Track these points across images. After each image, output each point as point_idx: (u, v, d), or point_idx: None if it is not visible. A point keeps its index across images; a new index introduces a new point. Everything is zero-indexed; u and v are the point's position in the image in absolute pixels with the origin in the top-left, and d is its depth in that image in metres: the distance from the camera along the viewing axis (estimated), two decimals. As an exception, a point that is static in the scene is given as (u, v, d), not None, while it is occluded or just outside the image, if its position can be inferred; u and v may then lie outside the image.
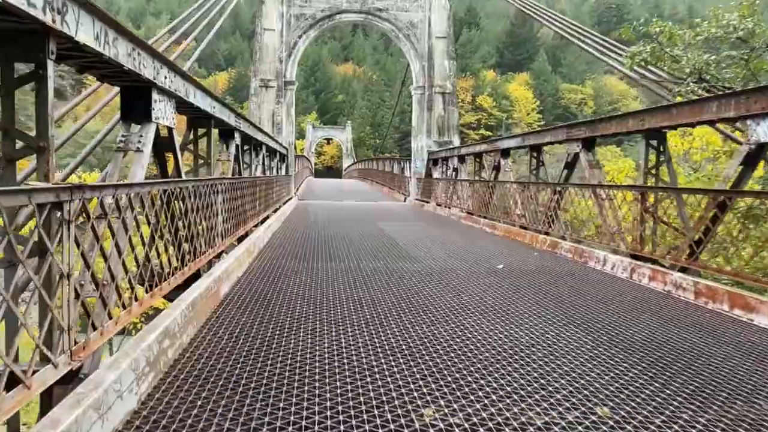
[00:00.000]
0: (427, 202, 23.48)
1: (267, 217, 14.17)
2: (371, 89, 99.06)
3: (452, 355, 4.46)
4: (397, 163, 33.74)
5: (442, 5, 26.21)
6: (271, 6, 25.15)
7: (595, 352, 4.65)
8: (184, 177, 6.32)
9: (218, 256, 7.63)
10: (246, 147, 11.96)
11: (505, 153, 14.48)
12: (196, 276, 6.23)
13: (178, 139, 6.08)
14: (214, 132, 8.07)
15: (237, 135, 9.55)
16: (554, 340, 4.97)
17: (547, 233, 11.58)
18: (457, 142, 26.16)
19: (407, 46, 26.57)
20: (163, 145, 5.74)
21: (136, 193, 4.30)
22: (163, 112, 5.31)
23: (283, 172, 22.07)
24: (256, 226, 11.86)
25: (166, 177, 5.93)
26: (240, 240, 9.76)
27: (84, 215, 3.36)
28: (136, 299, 4.30)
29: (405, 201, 27.95)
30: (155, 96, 5.06)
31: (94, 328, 3.54)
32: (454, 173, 19.84)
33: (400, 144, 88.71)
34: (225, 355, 4.34)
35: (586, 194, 9.99)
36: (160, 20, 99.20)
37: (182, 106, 6.23)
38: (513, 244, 11.81)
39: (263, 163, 14.33)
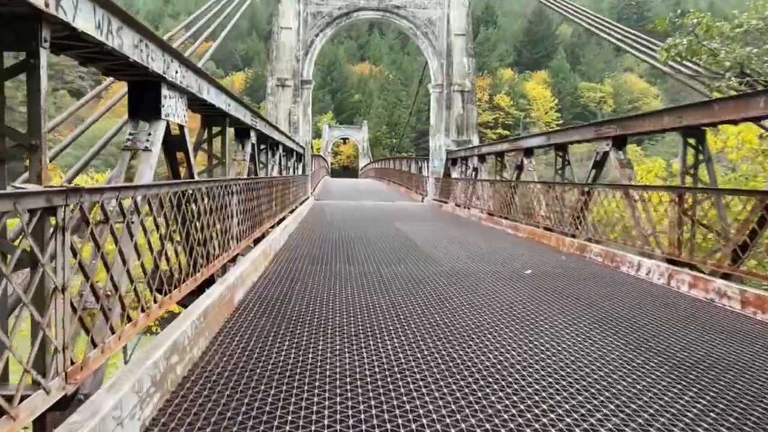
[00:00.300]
0: (446, 202, 23.05)
1: (284, 218, 13.87)
2: (387, 88, 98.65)
3: (493, 371, 4.06)
4: (415, 163, 33.35)
5: (461, 2, 25.73)
6: (287, 4, 24.89)
7: (648, 372, 4.21)
8: (197, 177, 6.01)
9: (233, 260, 7.32)
10: (262, 146, 11.66)
11: (529, 152, 14.01)
12: (210, 281, 5.92)
13: (190, 138, 5.77)
14: (230, 131, 7.74)
15: (253, 134, 9.25)
16: (599, 355, 4.54)
17: (573, 235, 11.11)
18: (476, 141, 25.68)
19: (425, 43, 26.14)
20: (174, 144, 5.42)
21: (144, 196, 3.98)
22: (174, 109, 4.99)
23: (300, 172, 21.81)
24: (272, 227, 11.56)
25: (177, 178, 5.62)
26: (256, 242, 9.46)
27: (84, 221, 3.04)
28: (144, 310, 3.97)
29: (422, 201, 27.54)
30: (165, 92, 4.74)
31: (94, 345, 3.21)
32: (474, 173, 19.39)
33: (417, 143, 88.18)
34: (238, 371, 3.99)
35: (617, 195, 9.50)
36: (178, 21, 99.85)
37: (195, 103, 5.92)
38: (537, 247, 11.36)
39: (280, 163, 14.04)
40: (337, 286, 6.95)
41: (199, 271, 5.43)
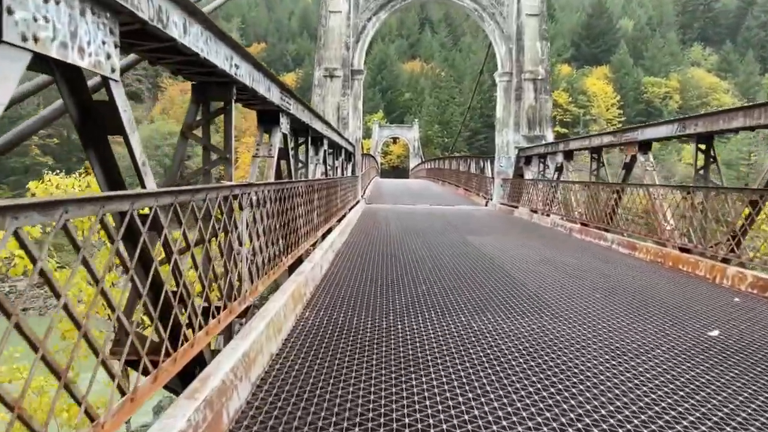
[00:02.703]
0: (516, 207, 19.85)
1: (330, 229, 11.15)
2: (440, 86, 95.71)
3: None
4: (475, 162, 30.10)
5: (534, -23, 22.42)
6: (337, -15, 22.24)
7: None
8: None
9: (245, 313, 4.57)
10: (301, 139, 8.94)
11: (645, 146, 10.73)
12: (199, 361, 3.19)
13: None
14: (235, 109, 4.99)
15: (283, 120, 6.48)
16: None
17: (725, 260, 7.90)
18: (550, 136, 22.30)
19: (491, 26, 22.94)
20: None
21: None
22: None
23: (349, 173, 19.09)
24: (314, 244, 8.82)
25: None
26: (291, 270, 6.72)
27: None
28: None
29: (487, 205, 24.35)
30: None
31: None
32: (557, 173, 16.13)
33: (470, 142, 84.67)
34: None
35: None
36: (231, 24, 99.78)
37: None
38: (678, 277, 8.15)
39: (325, 162, 11.32)
40: (411, 368, 4.05)
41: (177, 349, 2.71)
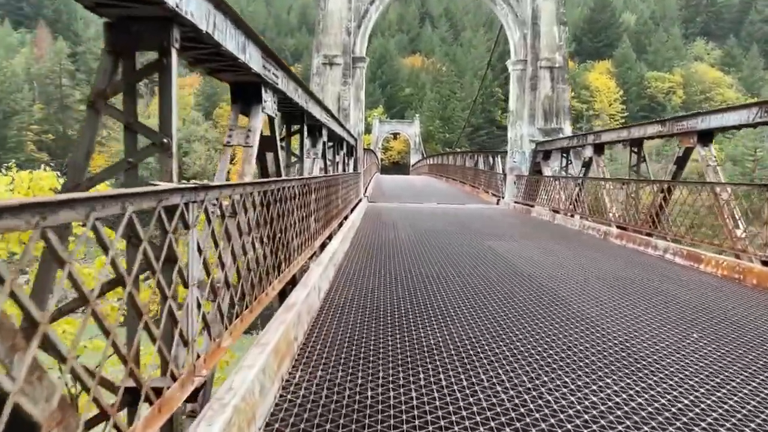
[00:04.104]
0: (532, 206, 18.14)
1: (331, 236, 9.43)
2: (441, 81, 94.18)
3: None
4: (484, 157, 28.33)
5: (550, -44, 20.63)
6: (336, -35, 20.42)
7: None
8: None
9: (194, 396, 2.84)
10: (294, 127, 7.20)
11: (706, 137, 8.98)
12: None
13: None
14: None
15: (268, 97, 4.73)
16: None
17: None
18: (568, 129, 20.54)
19: (504, 9, 21.13)
20: None
21: None
22: None
23: (351, 169, 17.35)
24: (312, 256, 7.10)
25: None
26: (282, 297, 5.02)
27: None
28: None
29: (498, 204, 22.62)
30: None
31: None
32: (584, 169, 14.38)
33: (471, 138, 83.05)
34: None
35: None
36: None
37: None
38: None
39: (324, 156, 9.57)
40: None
41: None
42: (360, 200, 18.58)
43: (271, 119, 4.99)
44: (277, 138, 5.30)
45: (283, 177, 5.42)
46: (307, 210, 6.67)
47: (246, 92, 4.35)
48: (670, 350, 4.47)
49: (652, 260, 9.06)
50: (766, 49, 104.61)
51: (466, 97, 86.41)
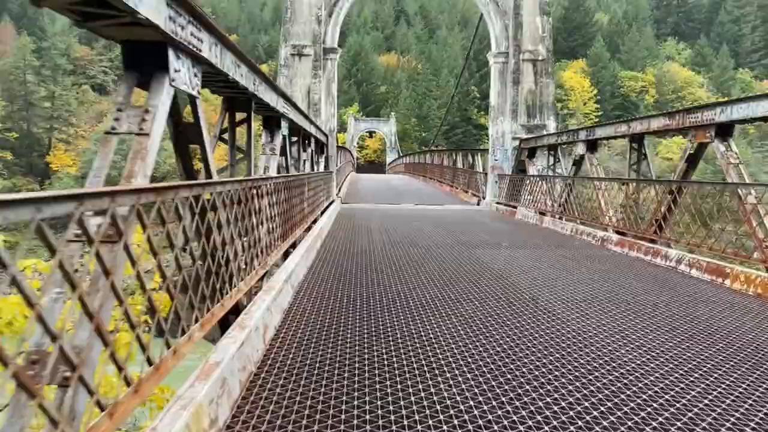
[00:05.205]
0: (516, 207, 16.95)
1: (295, 244, 8.04)
2: (416, 79, 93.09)
3: None
4: (464, 156, 27.12)
5: (533, -57, 19.45)
6: (305, -50, 18.92)
7: None
8: None
9: None
10: (242, 113, 5.77)
11: (725, 130, 7.82)
12: None
13: None
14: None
15: (182, 64, 3.32)
16: None
17: None
18: (552, 126, 19.43)
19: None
20: None
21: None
22: None
23: (321, 168, 15.92)
24: (264, 276, 5.69)
25: None
26: (224, 326, 3.64)
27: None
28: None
29: (479, 204, 21.41)
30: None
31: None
32: (574, 168, 13.20)
33: (448, 136, 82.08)
34: None
35: None
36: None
37: None
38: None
39: (285, 153, 8.15)
40: None
41: None
42: (332, 202, 17.16)
43: (192, 99, 3.57)
44: (202, 124, 3.86)
45: (215, 179, 4.00)
46: (257, 219, 5.26)
47: (144, 55, 2.94)
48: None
49: (666, 274, 7.81)
50: (735, 49, 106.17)
51: (441, 95, 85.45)
